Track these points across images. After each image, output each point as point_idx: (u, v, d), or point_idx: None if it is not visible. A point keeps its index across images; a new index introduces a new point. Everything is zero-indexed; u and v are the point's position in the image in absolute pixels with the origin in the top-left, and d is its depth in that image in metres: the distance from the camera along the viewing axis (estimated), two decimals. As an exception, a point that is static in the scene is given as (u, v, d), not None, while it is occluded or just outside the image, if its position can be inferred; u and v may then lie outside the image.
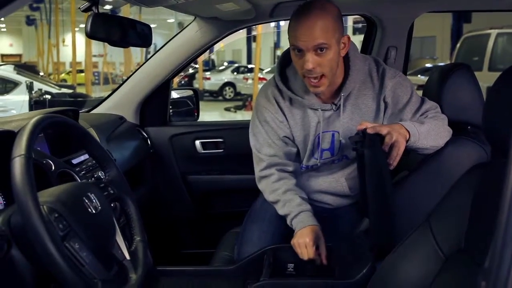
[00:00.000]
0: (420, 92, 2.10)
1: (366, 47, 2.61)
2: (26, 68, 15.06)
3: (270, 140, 1.95)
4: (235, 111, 15.81)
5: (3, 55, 39.17)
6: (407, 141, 1.71)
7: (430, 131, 1.79)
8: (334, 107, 1.88)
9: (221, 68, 23.90)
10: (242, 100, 17.72)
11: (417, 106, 1.89)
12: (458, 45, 10.70)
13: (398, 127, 1.71)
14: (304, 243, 1.77)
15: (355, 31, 25.61)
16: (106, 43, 1.77)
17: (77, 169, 1.71)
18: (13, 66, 11.79)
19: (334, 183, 2.02)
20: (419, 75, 12.51)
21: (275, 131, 1.94)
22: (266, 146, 1.96)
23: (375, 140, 1.61)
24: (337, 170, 2.01)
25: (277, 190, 1.93)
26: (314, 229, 1.81)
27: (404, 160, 1.91)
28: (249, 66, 22.51)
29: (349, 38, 1.80)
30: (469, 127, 1.95)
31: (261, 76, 17.75)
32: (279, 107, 1.93)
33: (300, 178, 2.04)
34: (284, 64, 1.94)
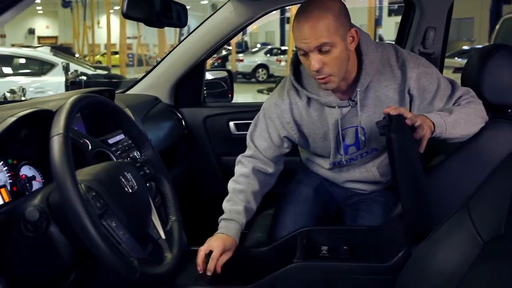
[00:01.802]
0: (458, 75, 2.06)
1: (404, 28, 2.56)
2: (62, 49, 15.27)
3: (267, 135, 1.94)
4: (268, 93, 15.76)
5: (40, 37, 39.78)
6: (432, 133, 1.67)
7: (459, 120, 1.74)
8: (351, 103, 1.83)
9: (254, 50, 23.84)
10: (275, 82, 17.66)
11: (448, 94, 1.83)
12: (497, 26, 10.41)
13: (423, 117, 1.67)
14: (207, 250, 1.74)
15: (391, 12, 25.22)
16: (140, 25, 1.79)
17: (113, 149, 1.73)
18: (49, 47, 11.97)
19: (366, 173, 2.00)
20: (456, 58, 12.25)
21: (277, 129, 1.93)
22: (261, 138, 1.95)
23: (402, 123, 1.58)
24: (368, 161, 1.98)
25: (237, 183, 1.92)
26: (229, 240, 1.77)
27: (441, 144, 1.87)
28: (282, 48, 22.42)
29: (357, 31, 1.73)
30: (509, 110, 1.91)
31: (294, 58, 17.65)
32: (291, 108, 1.90)
33: (333, 170, 2.03)
34: (297, 62, 1.88)
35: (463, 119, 1.75)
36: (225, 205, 1.89)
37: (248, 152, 1.98)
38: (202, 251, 1.74)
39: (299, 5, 1.75)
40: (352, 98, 1.82)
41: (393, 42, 2.67)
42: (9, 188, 1.33)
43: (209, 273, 1.71)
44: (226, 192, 1.98)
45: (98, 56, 27.54)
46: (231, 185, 1.94)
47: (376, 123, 1.62)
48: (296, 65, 1.90)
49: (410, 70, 1.79)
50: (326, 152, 1.97)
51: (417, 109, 1.82)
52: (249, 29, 2.75)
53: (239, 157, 2.00)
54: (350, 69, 1.78)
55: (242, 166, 1.97)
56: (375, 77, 1.80)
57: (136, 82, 2.68)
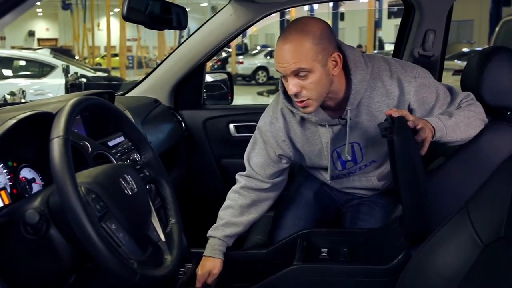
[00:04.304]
0: (458, 78, 2.06)
1: (403, 30, 2.56)
2: (62, 52, 15.27)
3: (265, 152, 1.93)
4: (268, 96, 15.77)
5: (40, 39, 39.78)
6: (433, 137, 1.66)
7: (459, 123, 1.72)
8: (342, 122, 1.79)
9: (254, 52, 23.83)
10: (275, 85, 17.65)
11: (448, 101, 1.82)
12: (497, 29, 10.42)
13: (424, 121, 1.66)
14: (207, 274, 1.85)
15: (390, 14, 25.24)
16: (140, 27, 1.79)
17: (113, 151, 1.73)
18: (49, 50, 11.97)
19: (365, 182, 2.00)
20: (455, 60, 12.25)
21: (273, 148, 1.91)
22: (258, 156, 1.94)
23: (404, 125, 1.58)
24: (368, 171, 1.97)
25: (227, 199, 1.98)
26: (220, 262, 1.87)
27: (440, 147, 1.87)
28: (282, 50, 22.33)
29: (339, 56, 1.67)
30: (509, 112, 1.91)
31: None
32: (285, 126, 1.88)
33: (333, 180, 2.02)
34: None
35: (463, 122, 1.74)
36: (219, 219, 1.95)
37: (245, 171, 1.99)
38: (202, 275, 1.86)
39: (299, 8, 1.75)
40: (343, 117, 1.78)
41: (393, 44, 2.68)
42: (9, 190, 1.33)
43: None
44: (226, 194, 1.98)
45: (98, 58, 27.51)
46: (228, 196, 1.99)
47: (378, 125, 1.61)
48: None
49: (408, 85, 1.75)
50: (324, 167, 1.96)
51: None
52: (249, 31, 2.76)
53: (237, 175, 2.02)
54: (337, 89, 1.74)
55: (237, 183, 2.00)
56: (367, 93, 1.76)
57: (136, 84, 2.68)
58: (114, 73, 17.47)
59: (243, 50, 25.72)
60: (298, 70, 1.62)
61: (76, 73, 8.64)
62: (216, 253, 1.87)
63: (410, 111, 1.78)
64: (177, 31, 20.85)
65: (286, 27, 1.69)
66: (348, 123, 1.77)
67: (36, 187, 1.42)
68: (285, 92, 1.83)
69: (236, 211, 1.93)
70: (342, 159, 1.90)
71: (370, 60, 1.79)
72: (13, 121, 1.32)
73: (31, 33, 40.40)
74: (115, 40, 24.66)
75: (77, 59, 17.60)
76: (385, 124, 1.58)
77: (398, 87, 1.76)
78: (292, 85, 1.64)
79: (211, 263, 1.85)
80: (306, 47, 1.61)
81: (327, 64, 1.65)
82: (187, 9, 2.06)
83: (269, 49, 23.46)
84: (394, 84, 1.76)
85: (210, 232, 1.91)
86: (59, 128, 1.11)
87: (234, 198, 1.96)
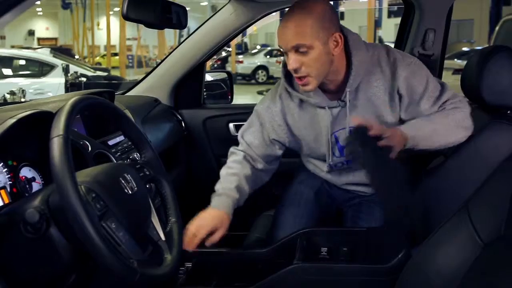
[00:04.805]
0: (458, 77, 2.06)
1: (403, 29, 2.56)
2: (62, 51, 15.26)
3: (260, 134, 1.96)
4: (268, 95, 15.74)
5: (39, 39, 39.81)
6: (404, 145, 1.69)
7: (438, 131, 1.75)
8: (341, 104, 1.82)
9: (254, 51, 23.84)
10: (275, 84, 17.65)
11: (436, 95, 1.82)
12: (497, 28, 10.41)
13: (394, 130, 1.69)
14: (195, 229, 1.74)
15: (390, 14, 25.25)
16: (140, 26, 1.78)
17: (113, 150, 1.73)
18: (49, 49, 11.97)
19: (365, 176, 1.99)
20: (455, 59, 12.26)
21: (268, 132, 1.94)
22: (252, 135, 1.97)
23: (365, 136, 1.60)
24: None
25: (229, 168, 1.95)
26: (221, 215, 1.79)
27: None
28: (282, 49, 22.34)
29: (341, 36, 1.71)
30: (508, 111, 1.91)
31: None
32: (283, 110, 1.91)
33: (332, 173, 2.03)
34: None
35: (441, 130, 1.76)
36: (217, 186, 1.90)
37: (239, 146, 2.01)
38: (190, 230, 1.74)
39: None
40: (342, 99, 1.82)
41: (393, 44, 2.68)
42: (9, 189, 1.33)
43: (189, 249, 1.73)
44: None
45: (97, 58, 27.57)
46: (223, 171, 1.96)
47: (345, 139, 1.65)
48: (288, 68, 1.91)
49: (400, 70, 1.79)
50: (321, 155, 1.97)
51: (405, 110, 1.83)
52: (249, 30, 2.76)
53: (232, 149, 2.03)
54: (337, 70, 1.77)
55: (235, 155, 2.00)
56: (365, 77, 1.79)
57: (136, 83, 2.68)
58: (114, 72, 17.48)
59: (243, 49, 25.75)
60: (298, 46, 1.66)
61: (76, 72, 8.64)
62: (229, 211, 1.81)
63: (399, 96, 1.80)
64: (177, 30, 20.86)
65: (290, 7, 1.73)
66: (348, 104, 1.80)
67: (36, 186, 1.42)
68: (286, 75, 1.87)
69: (241, 179, 1.90)
70: (340, 144, 1.91)
71: (371, 47, 1.83)
72: (13, 120, 1.32)
73: (31, 32, 40.44)
74: (115, 39, 24.70)
75: (77, 58, 17.59)
76: (349, 138, 1.64)
77: (391, 71, 1.79)
78: (292, 60, 1.68)
79: (221, 217, 1.78)
80: (308, 23, 1.65)
81: (328, 43, 1.69)
82: (187, 8, 2.06)
83: (269, 48, 23.47)
84: (388, 69, 1.80)
85: (223, 190, 1.85)
86: (59, 127, 1.11)
87: (238, 167, 1.93)
